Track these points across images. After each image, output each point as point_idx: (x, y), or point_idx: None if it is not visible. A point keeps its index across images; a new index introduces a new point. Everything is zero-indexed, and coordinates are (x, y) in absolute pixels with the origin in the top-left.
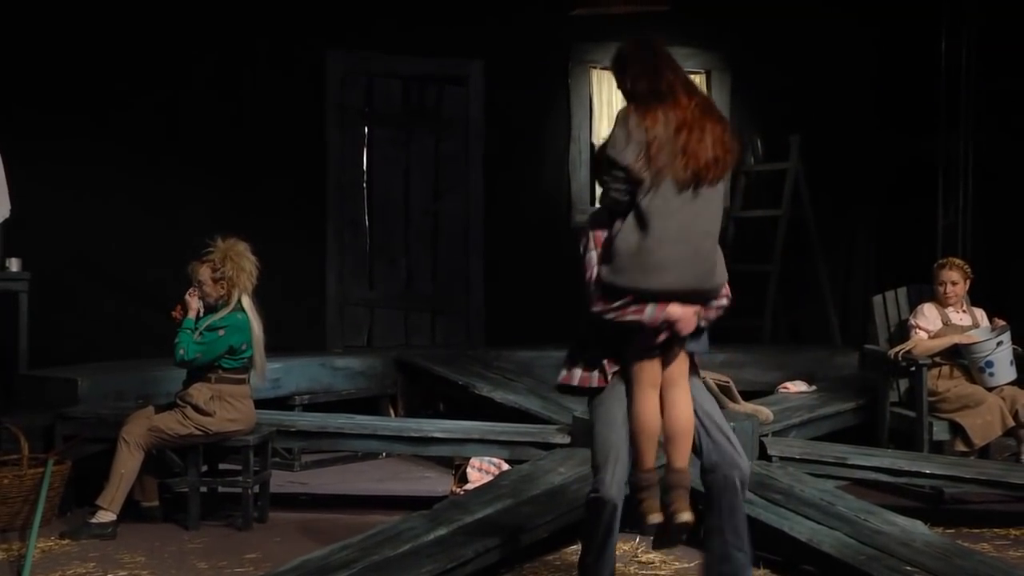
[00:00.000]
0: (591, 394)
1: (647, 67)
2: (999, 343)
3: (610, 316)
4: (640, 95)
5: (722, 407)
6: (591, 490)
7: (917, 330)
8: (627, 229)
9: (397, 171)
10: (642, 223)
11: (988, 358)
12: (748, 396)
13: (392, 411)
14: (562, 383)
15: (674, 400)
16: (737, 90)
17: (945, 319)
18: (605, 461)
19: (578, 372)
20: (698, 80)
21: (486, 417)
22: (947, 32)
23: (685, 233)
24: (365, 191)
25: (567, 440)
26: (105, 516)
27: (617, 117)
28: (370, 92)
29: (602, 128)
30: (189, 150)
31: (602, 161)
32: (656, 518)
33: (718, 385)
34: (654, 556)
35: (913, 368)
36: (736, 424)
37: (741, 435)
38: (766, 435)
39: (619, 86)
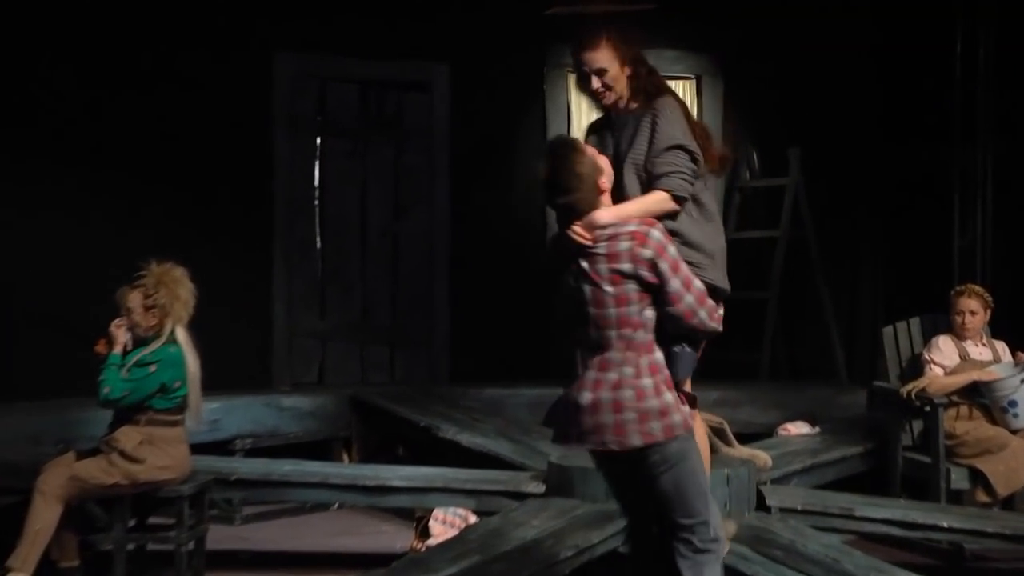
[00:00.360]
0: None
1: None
2: (1023, 380)
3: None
4: (665, 87)
5: (715, 452)
6: (712, 538)
7: (932, 365)
8: (708, 227)
9: (353, 186)
10: (710, 216)
11: (1011, 397)
12: (744, 439)
13: (345, 456)
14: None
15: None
16: (730, 98)
17: (963, 353)
18: (709, 502)
19: (685, 410)
20: (686, 86)
21: (451, 463)
22: (962, 34)
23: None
24: (317, 208)
25: (541, 489)
26: None
27: (666, 108)
28: (323, 98)
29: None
30: (118, 162)
31: (686, 152)
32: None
33: (710, 427)
34: None
35: (928, 408)
36: (731, 471)
37: (737, 483)
38: (764, 483)
39: (638, 78)
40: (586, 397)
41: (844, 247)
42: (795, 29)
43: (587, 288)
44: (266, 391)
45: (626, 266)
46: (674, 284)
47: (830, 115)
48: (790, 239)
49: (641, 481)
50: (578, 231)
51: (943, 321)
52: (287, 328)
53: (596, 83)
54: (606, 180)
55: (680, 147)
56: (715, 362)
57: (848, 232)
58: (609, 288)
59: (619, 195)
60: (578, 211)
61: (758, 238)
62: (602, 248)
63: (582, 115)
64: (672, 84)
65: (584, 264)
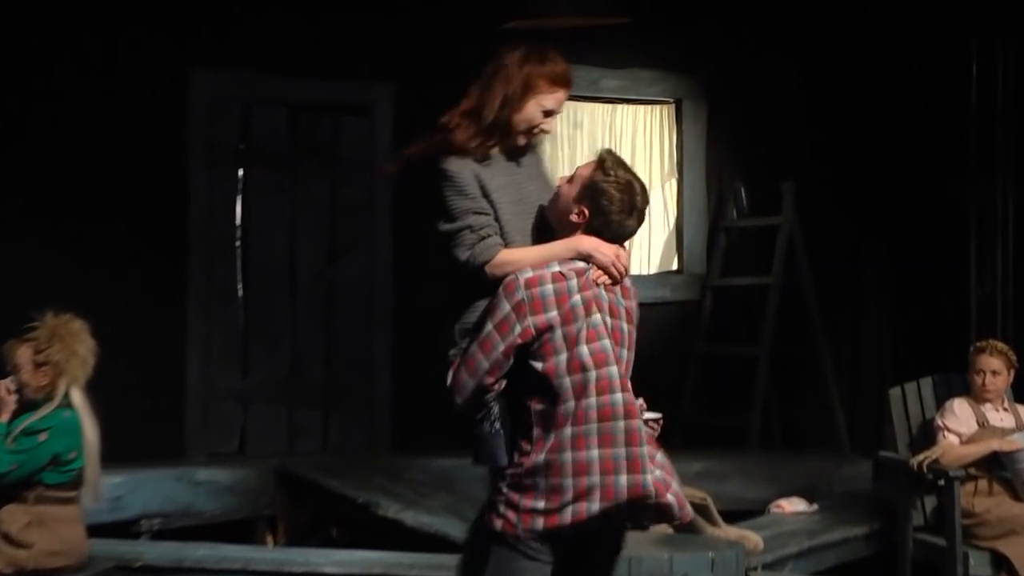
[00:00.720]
0: None
1: None
2: None
3: None
4: None
5: (698, 532)
6: None
7: (946, 433)
8: None
9: (281, 225)
10: None
11: None
12: (731, 517)
13: (270, 539)
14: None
15: None
16: (715, 124)
17: (981, 419)
18: None
19: None
20: (664, 112)
21: (393, 545)
22: (978, 53)
23: None
24: (239, 250)
25: None
26: None
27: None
28: (247, 123)
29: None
30: (4, 197)
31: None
32: None
33: (692, 503)
34: None
35: (942, 482)
36: (716, 554)
37: (723, 568)
38: (755, 568)
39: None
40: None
41: (846, 296)
42: (790, 46)
43: (625, 328)
44: (178, 463)
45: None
46: None
47: (830, 145)
48: (784, 286)
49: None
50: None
51: (959, 382)
52: (203, 389)
53: (549, 125)
54: None
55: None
56: (697, 429)
57: (850, 279)
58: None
59: (537, 237)
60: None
61: (747, 286)
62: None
63: (549, 143)
64: (647, 110)
65: (615, 300)
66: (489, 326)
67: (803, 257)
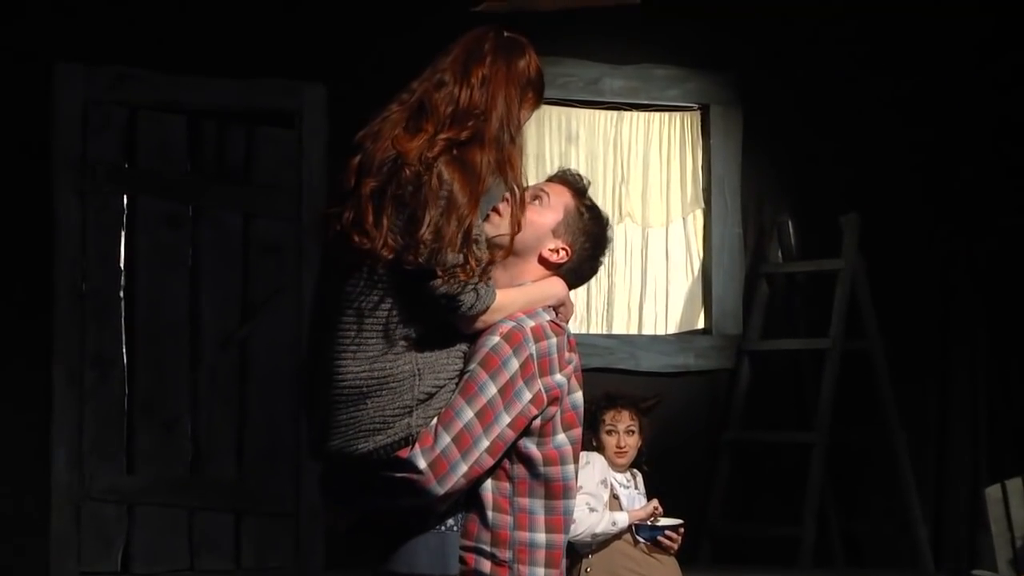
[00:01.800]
0: None
1: None
2: None
3: None
4: None
5: None
6: None
7: None
8: None
9: (178, 270)
10: None
11: None
12: None
13: None
14: None
15: None
16: (753, 138)
17: None
18: None
19: None
20: (687, 121)
21: None
22: None
23: None
24: (123, 304)
25: None
26: None
27: None
28: (132, 135)
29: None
30: None
31: None
32: None
33: None
34: None
35: None
36: None
37: None
38: None
39: None
40: None
41: (928, 366)
42: (851, 33)
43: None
44: None
45: None
46: None
47: (907, 167)
48: (845, 353)
49: None
50: None
51: None
52: (73, 487)
53: None
54: None
55: None
56: (731, 540)
57: (934, 344)
58: None
59: None
60: None
61: (796, 351)
62: None
63: (526, 161)
64: (663, 118)
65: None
66: (491, 390)
67: (870, 315)
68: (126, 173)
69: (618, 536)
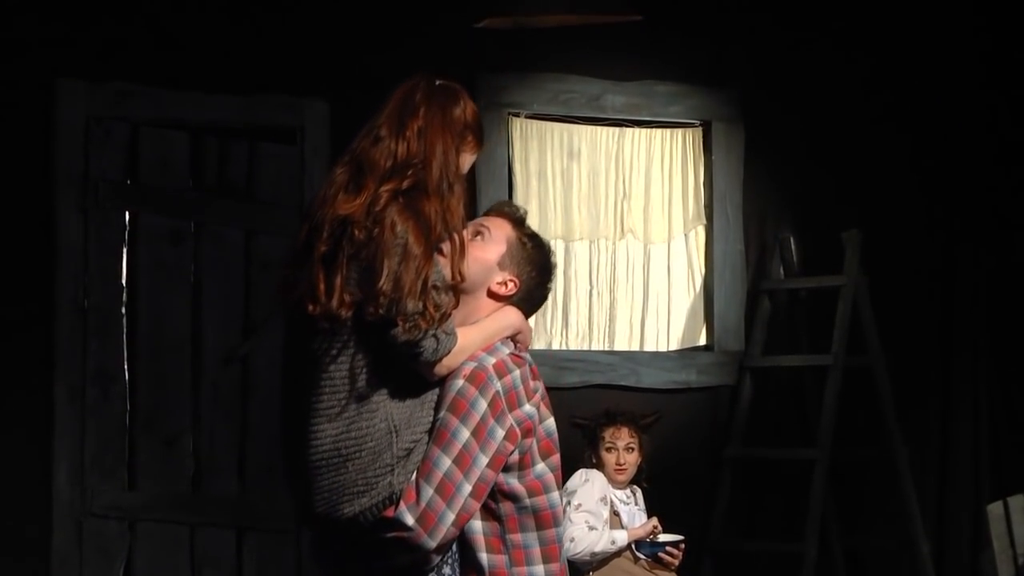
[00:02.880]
0: None
1: None
2: None
3: None
4: None
5: None
6: None
7: None
8: None
9: (180, 287)
10: None
11: None
12: None
13: None
14: None
15: None
16: (755, 154)
17: None
18: None
19: None
20: (689, 138)
21: None
22: None
23: None
24: (124, 320)
25: None
26: None
27: None
28: (134, 153)
29: (528, 217)
30: None
31: None
32: None
33: None
34: None
35: None
36: None
37: None
38: None
39: None
40: None
41: (929, 383)
42: (859, 48)
43: None
44: None
45: None
46: None
47: (908, 180)
48: (847, 369)
49: None
50: None
51: None
52: (74, 505)
53: None
54: None
55: None
56: (733, 556)
57: (936, 360)
58: None
59: None
60: None
61: (798, 367)
62: None
63: (528, 176)
64: (665, 135)
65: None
66: (464, 434)
67: (872, 331)
68: (128, 189)
69: (618, 554)
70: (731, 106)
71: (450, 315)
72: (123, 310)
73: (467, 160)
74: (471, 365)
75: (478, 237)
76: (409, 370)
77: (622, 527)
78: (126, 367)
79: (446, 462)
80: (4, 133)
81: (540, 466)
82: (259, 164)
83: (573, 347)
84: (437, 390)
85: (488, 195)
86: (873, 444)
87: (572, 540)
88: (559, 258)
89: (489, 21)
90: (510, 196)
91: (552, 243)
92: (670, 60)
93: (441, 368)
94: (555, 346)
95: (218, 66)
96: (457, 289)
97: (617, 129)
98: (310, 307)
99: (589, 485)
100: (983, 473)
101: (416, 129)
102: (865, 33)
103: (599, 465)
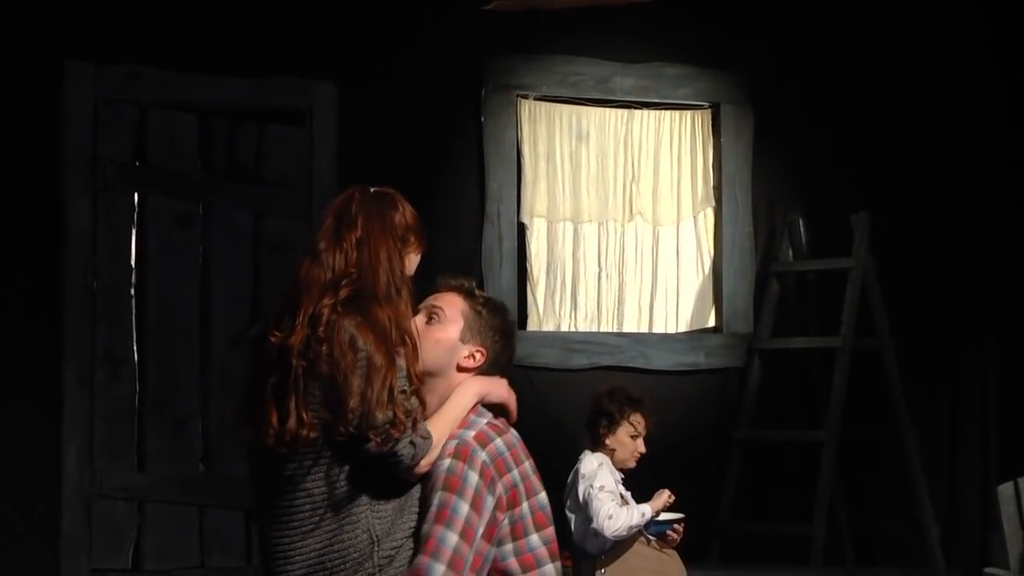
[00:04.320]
0: None
1: None
2: None
3: None
4: None
5: None
6: None
7: None
8: None
9: (189, 268)
10: None
11: None
12: None
13: None
14: None
15: None
16: (764, 137)
17: None
18: None
19: None
20: (698, 120)
21: None
22: None
23: None
24: (133, 303)
25: None
26: None
27: None
28: (143, 135)
29: (536, 200)
30: None
31: None
32: None
33: None
34: None
35: None
36: None
37: None
38: None
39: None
40: None
41: (939, 365)
42: (870, 32)
43: None
44: None
45: None
46: None
47: (917, 163)
48: (856, 351)
49: None
50: None
51: None
52: (83, 486)
53: None
54: None
55: None
56: (740, 538)
57: (945, 342)
58: None
59: None
60: None
61: (806, 349)
62: None
63: (537, 159)
64: (674, 117)
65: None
66: (464, 508)
67: (881, 312)
68: (137, 171)
69: (635, 537)
70: (740, 88)
71: (420, 418)
72: (132, 292)
73: (412, 261)
74: (453, 443)
75: (433, 319)
76: (387, 476)
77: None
78: (135, 349)
79: (453, 538)
80: (13, 116)
81: (534, 538)
82: (268, 146)
83: (582, 329)
84: (417, 492)
85: (497, 178)
86: (882, 426)
87: (610, 517)
88: (569, 240)
89: (498, 3)
90: (518, 178)
91: (561, 225)
92: (679, 42)
93: (420, 469)
94: (564, 328)
95: (227, 48)
96: (420, 392)
97: (626, 111)
98: (263, 439)
99: (604, 469)
100: (992, 454)
101: (354, 240)
102: (874, 16)
103: (616, 447)
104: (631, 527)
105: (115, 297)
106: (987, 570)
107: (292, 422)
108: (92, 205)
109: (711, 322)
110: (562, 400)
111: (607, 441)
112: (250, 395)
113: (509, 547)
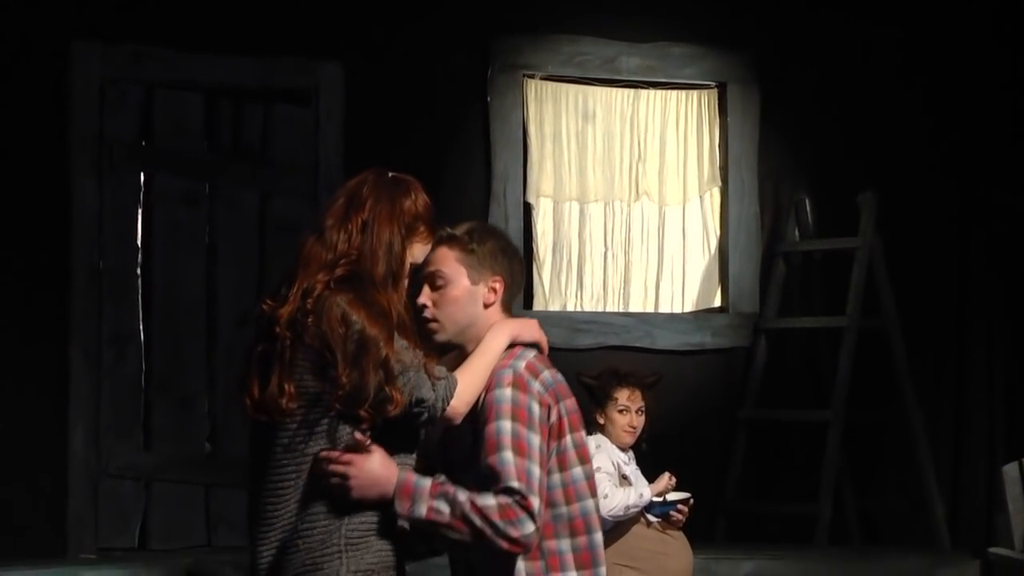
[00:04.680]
0: None
1: None
2: None
3: None
4: None
5: None
6: None
7: None
8: None
9: (195, 248)
10: None
11: None
12: None
13: None
14: None
15: None
16: (771, 116)
17: None
18: None
19: None
20: (704, 99)
21: None
22: None
23: None
24: (139, 282)
25: None
26: None
27: None
28: (149, 114)
29: (543, 180)
30: None
31: None
32: None
33: None
34: None
35: None
36: None
37: None
38: None
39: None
40: None
41: (945, 345)
42: (869, 11)
43: None
44: (58, 561)
45: None
46: None
47: (923, 143)
48: (862, 331)
49: None
50: None
51: None
52: (90, 465)
53: None
54: None
55: None
56: (746, 517)
57: (952, 322)
58: None
59: None
60: None
61: (812, 329)
62: None
63: (543, 138)
64: (680, 96)
65: None
66: (536, 440)
67: (888, 293)
68: (143, 151)
69: (635, 518)
70: (747, 68)
71: (431, 364)
72: (138, 272)
73: (420, 250)
74: (507, 373)
75: (438, 282)
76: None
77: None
78: (141, 328)
79: (535, 470)
80: (19, 95)
81: (578, 470)
82: (274, 126)
83: (588, 309)
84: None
85: (503, 158)
86: (887, 406)
87: (605, 496)
88: (575, 220)
89: None
90: (524, 158)
91: (567, 205)
92: (685, 22)
93: (455, 413)
94: (570, 308)
95: (233, 28)
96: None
97: (632, 91)
98: (246, 403)
99: (602, 451)
100: (998, 435)
101: (360, 222)
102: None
103: (608, 425)
104: (628, 507)
105: (121, 276)
106: (992, 550)
107: (272, 391)
108: (98, 185)
109: (717, 302)
110: (568, 380)
111: (599, 420)
112: (243, 364)
113: (557, 477)
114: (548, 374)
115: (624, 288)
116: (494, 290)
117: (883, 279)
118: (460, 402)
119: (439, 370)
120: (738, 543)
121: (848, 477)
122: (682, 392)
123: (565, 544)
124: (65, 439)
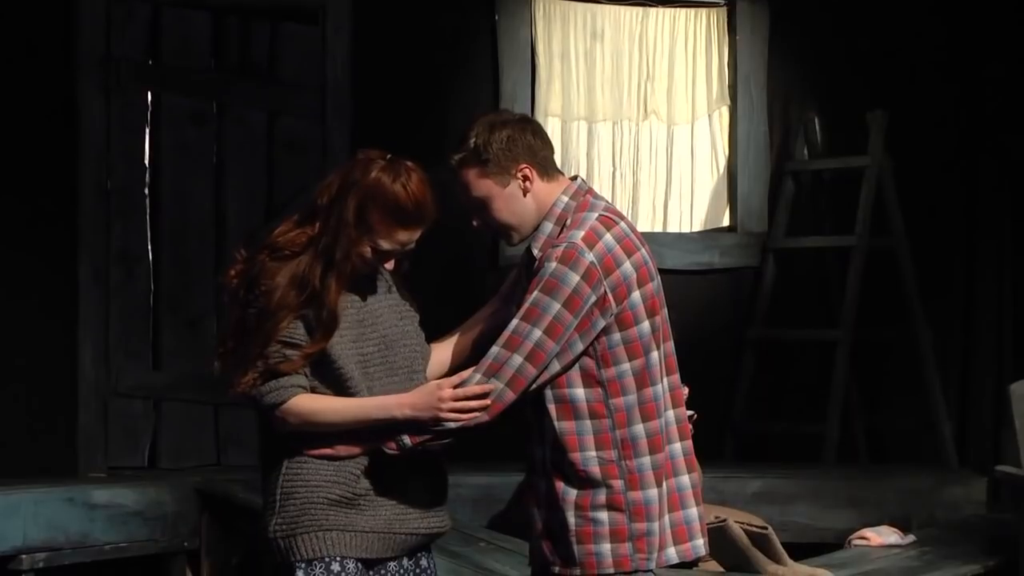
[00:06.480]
0: None
1: None
2: None
3: None
4: None
5: (755, 571)
6: None
7: None
8: None
9: (203, 168)
10: None
11: None
12: (801, 552)
13: None
14: None
15: None
16: (780, 33)
17: None
18: None
19: None
20: (712, 17)
21: None
22: None
23: None
24: (148, 202)
25: None
26: None
27: None
28: (156, 33)
29: (551, 99)
30: None
31: None
32: None
33: (749, 533)
34: None
35: None
36: None
37: None
38: None
39: None
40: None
41: (954, 264)
42: None
43: None
44: (69, 481)
45: None
46: None
47: (933, 61)
48: (871, 250)
49: None
50: None
51: None
52: (101, 384)
53: None
54: None
55: None
56: (755, 436)
57: (960, 241)
58: None
59: None
60: None
61: (821, 248)
62: None
63: (551, 58)
64: (689, 14)
65: None
66: (554, 307)
67: (896, 212)
68: (150, 70)
69: None
70: None
71: (285, 372)
72: (146, 191)
73: (399, 235)
74: (562, 247)
75: (477, 206)
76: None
77: None
78: (149, 248)
79: (536, 333)
80: (25, 15)
81: (644, 325)
82: (281, 44)
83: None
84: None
85: (511, 77)
86: (896, 325)
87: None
88: (583, 139)
89: None
90: (532, 77)
91: (575, 124)
92: None
93: (284, 422)
94: None
95: None
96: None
97: (641, 9)
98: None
99: None
100: (1006, 353)
101: (333, 199)
102: None
103: None
104: None
105: (129, 196)
106: (999, 468)
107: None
108: (105, 104)
109: (725, 221)
110: None
111: None
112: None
113: (617, 336)
114: (610, 236)
115: (632, 207)
116: (526, 177)
117: (892, 198)
118: (292, 416)
119: (271, 384)
120: (746, 462)
121: (856, 396)
122: (690, 312)
123: (632, 400)
124: (74, 358)
